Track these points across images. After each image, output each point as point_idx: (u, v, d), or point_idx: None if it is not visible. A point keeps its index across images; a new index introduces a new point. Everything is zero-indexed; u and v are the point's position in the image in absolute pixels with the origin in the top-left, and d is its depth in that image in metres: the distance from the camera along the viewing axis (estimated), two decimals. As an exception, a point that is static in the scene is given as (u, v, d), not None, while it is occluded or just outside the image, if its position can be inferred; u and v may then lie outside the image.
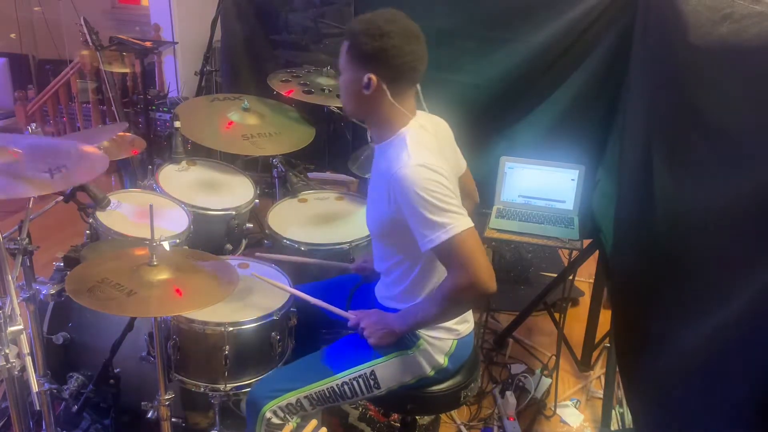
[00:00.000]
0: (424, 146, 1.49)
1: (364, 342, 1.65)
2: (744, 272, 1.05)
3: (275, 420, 1.57)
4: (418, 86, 1.56)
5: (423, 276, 1.60)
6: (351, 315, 1.67)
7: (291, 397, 1.58)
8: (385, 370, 1.61)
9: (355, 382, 1.61)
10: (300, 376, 1.61)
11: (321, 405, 1.62)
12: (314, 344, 1.84)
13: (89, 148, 1.56)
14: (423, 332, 1.61)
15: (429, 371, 1.63)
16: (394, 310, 1.64)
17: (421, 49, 1.47)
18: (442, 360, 1.63)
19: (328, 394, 1.60)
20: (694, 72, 1.45)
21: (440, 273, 1.55)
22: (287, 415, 1.58)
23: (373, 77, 1.46)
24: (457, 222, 1.40)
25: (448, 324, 1.62)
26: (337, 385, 1.60)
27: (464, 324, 1.67)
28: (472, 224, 1.42)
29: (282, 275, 1.94)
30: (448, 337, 1.63)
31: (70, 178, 1.42)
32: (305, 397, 1.58)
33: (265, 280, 1.85)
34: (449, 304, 1.48)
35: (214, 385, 1.75)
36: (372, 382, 1.61)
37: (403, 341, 1.61)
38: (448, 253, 1.41)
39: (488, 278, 1.41)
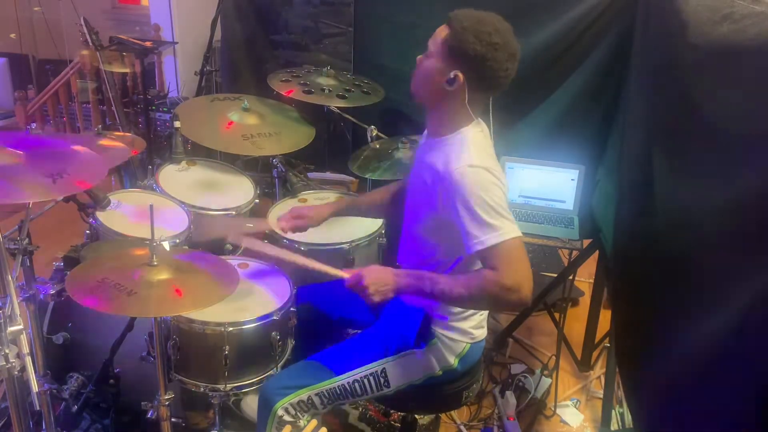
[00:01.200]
0: (485, 150, 1.50)
1: (374, 340, 1.65)
2: (744, 272, 1.05)
3: (287, 417, 1.57)
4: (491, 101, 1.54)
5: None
6: (346, 274, 1.55)
7: (303, 395, 1.58)
8: (396, 368, 1.62)
9: (365, 380, 1.61)
10: (312, 373, 1.62)
11: (332, 403, 1.62)
12: (316, 345, 1.84)
13: (90, 152, 1.56)
14: (439, 331, 1.61)
15: (438, 371, 1.63)
16: (413, 307, 1.63)
17: (513, 68, 1.45)
18: (452, 361, 1.63)
19: (339, 392, 1.61)
20: (694, 72, 1.45)
21: None
22: (298, 413, 1.59)
23: (461, 76, 1.44)
24: (511, 228, 1.39)
25: (465, 326, 1.62)
26: (348, 382, 1.60)
27: (480, 329, 1.67)
28: (521, 234, 1.41)
29: (282, 275, 1.94)
30: (462, 340, 1.63)
31: (72, 184, 1.42)
32: (316, 394, 1.59)
33: (254, 249, 1.77)
34: (483, 296, 1.41)
35: (214, 385, 1.75)
36: (382, 380, 1.62)
37: (417, 339, 1.61)
38: (497, 256, 1.38)
39: (529, 290, 1.39)
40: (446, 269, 1.57)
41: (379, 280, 1.49)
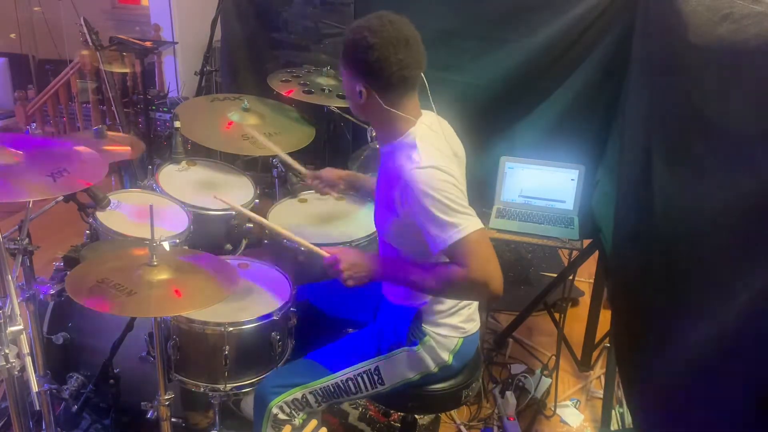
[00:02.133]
0: (434, 147, 1.49)
1: (368, 339, 1.66)
2: (744, 272, 1.05)
3: (282, 416, 1.58)
4: (426, 85, 1.52)
5: None
6: (326, 253, 1.58)
7: (297, 393, 1.59)
8: (390, 367, 1.62)
9: (359, 378, 1.61)
10: (306, 372, 1.62)
11: (326, 401, 1.63)
12: (314, 344, 1.84)
13: (90, 152, 1.56)
14: (429, 329, 1.61)
15: (433, 368, 1.64)
16: (402, 307, 1.63)
17: (410, 55, 1.43)
18: (446, 357, 1.64)
19: (332, 390, 1.61)
20: (693, 72, 1.45)
21: None
22: (293, 411, 1.59)
23: (364, 89, 1.46)
24: (469, 223, 1.39)
25: (456, 322, 1.62)
26: (341, 380, 1.61)
27: (471, 323, 1.67)
28: (482, 225, 1.42)
29: (281, 275, 1.94)
30: (454, 335, 1.63)
31: (73, 183, 1.42)
32: (310, 392, 1.60)
33: (232, 206, 1.77)
34: (451, 289, 1.45)
35: (214, 385, 1.75)
36: (376, 378, 1.62)
37: (410, 338, 1.61)
38: (461, 252, 1.39)
39: (498, 281, 1.40)
40: None
41: (355, 265, 1.53)
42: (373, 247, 2.23)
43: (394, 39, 1.41)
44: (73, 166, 1.45)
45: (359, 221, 2.28)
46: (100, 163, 1.55)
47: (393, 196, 1.48)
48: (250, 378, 1.77)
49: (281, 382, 1.61)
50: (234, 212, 2.22)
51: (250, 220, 1.84)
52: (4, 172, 1.34)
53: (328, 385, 1.61)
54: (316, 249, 1.62)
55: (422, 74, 1.50)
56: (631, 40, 2.20)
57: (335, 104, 2.59)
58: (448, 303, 1.61)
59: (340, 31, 3.28)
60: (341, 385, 1.61)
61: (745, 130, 1.15)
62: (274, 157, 2.55)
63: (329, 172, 1.92)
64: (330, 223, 2.29)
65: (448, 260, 1.44)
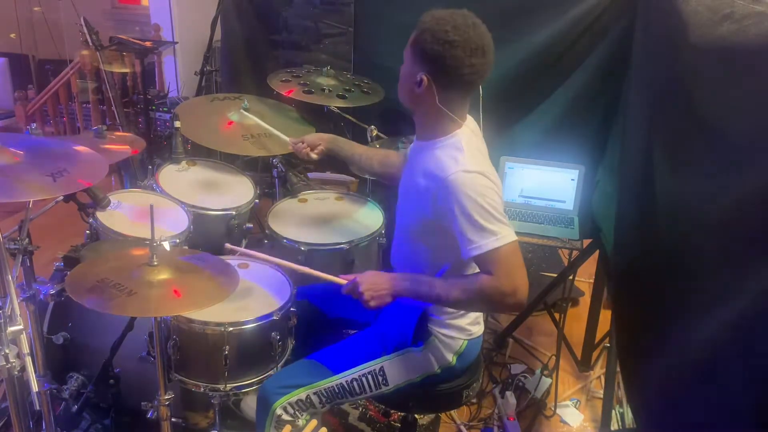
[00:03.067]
0: (479, 153, 1.50)
1: (372, 339, 1.66)
2: (744, 272, 1.05)
3: (285, 416, 1.58)
4: (481, 92, 1.52)
5: None
6: (343, 281, 1.57)
7: (301, 394, 1.58)
8: (394, 367, 1.62)
9: (364, 379, 1.61)
10: (310, 372, 1.62)
11: (330, 402, 1.62)
12: (315, 344, 1.84)
13: (90, 152, 1.56)
14: (435, 329, 1.61)
15: (436, 369, 1.64)
16: (408, 307, 1.63)
17: (483, 63, 1.43)
18: (450, 358, 1.64)
19: (337, 391, 1.61)
20: (694, 72, 1.45)
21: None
22: (297, 412, 1.59)
23: (425, 78, 1.44)
24: (507, 232, 1.40)
25: (461, 323, 1.62)
26: (346, 381, 1.61)
27: (477, 326, 1.67)
28: (516, 238, 1.42)
29: (282, 275, 1.94)
30: (459, 337, 1.63)
31: (73, 183, 1.42)
32: (315, 393, 1.59)
33: (253, 255, 1.79)
34: (479, 299, 1.43)
35: (214, 385, 1.75)
36: (380, 379, 1.62)
37: (415, 338, 1.61)
38: (496, 261, 1.39)
39: (525, 292, 1.40)
40: (436, 273, 1.57)
41: (376, 285, 1.50)
42: (372, 248, 2.23)
43: (474, 44, 1.41)
44: (73, 166, 1.45)
45: (359, 221, 2.28)
46: (100, 163, 1.54)
47: (430, 194, 1.47)
48: (250, 378, 1.77)
49: (285, 382, 1.60)
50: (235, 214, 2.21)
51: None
52: (4, 172, 1.34)
53: (332, 386, 1.60)
54: (334, 278, 1.60)
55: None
56: (631, 41, 2.20)
57: (335, 104, 2.59)
58: None
59: (341, 31, 3.28)
60: (346, 386, 1.61)
61: (745, 130, 1.15)
62: (274, 157, 2.55)
63: (312, 136, 1.95)
64: (330, 222, 2.29)
65: (477, 268, 1.44)
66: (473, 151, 1.48)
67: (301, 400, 1.58)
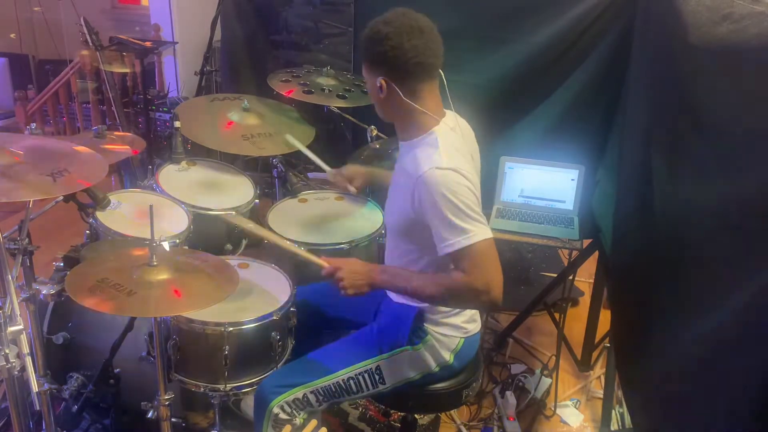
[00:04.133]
0: (455, 149, 1.50)
1: (368, 338, 1.66)
2: (743, 272, 1.05)
3: (282, 415, 1.58)
4: (445, 82, 1.53)
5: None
6: (325, 263, 1.60)
7: (298, 393, 1.59)
8: (391, 366, 1.62)
9: (360, 378, 1.61)
10: (306, 371, 1.62)
11: (327, 400, 1.63)
12: (314, 344, 1.84)
13: (90, 152, 1.56)
14: (431, 328, 1.61)
15: (434, 367, 1.64)
16: (404, 306, 1.63)
17: (424, 42, 1.44)
18: (448, 357, 1.64)
19: (333, 389, 1.61)
20: (694, 72, 1.45)
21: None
22: (294, 411, 1.59)
23: (383, 81, 1.47)
24: (480, 230, 1.40)
25: (458, 322, 1.62)
26: (342, 380, 1.61)
27: (473, 323, 1.67)
28: (491, 235, 1.42)
29: (282, 275, 1.94)
30: (455, 335, 1.63)
31: (73, 183, 1.42)
32: (311, 392, 1.60)
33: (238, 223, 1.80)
34: (451, 296, 1.46)
35: (214, 385, 1.75)
36: (377, 377, 1.62)
37: (411, 337, 1.61)
38: (468, 258, 1.40)
39: (499, 291, 1.41)
40: (428, 269, 1.58)
41: (355, 273, 1.54)
42: (372, 248, 2.23)
43: (408, 27, 1.43)
44: (73, 166, 1.45)
45: (359, 221, 2.27)
46: (100, 163, 1.54)
47: (409, 193, 1.48)
48: (250, 378, 1.77)
49: (282, 382, 1.61)
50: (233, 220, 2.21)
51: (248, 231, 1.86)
52: (4, 172, 1.34)
53: (329, 385, 1.61)
54: (316, 259, 1.63)
55: (441, 72, 1.51)
56: (631, 41, 2.20)
57: (335, 104, 2.59)
58: None
59: (341, 31, 3.28)
60: (342, 385, 1.61)
61: (745, 130, 1.15)
62: (274, 157, 2.55)
63: (350, 170, 1.96)
64: (330, 222, 2.29)
65: (452, 265, 1.45)
66: (449, 148, 1.48)
67: (297, 399, 1.59)
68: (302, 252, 1.67)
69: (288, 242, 1.71)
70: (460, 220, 1.39)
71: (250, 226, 1.79)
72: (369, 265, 1.57)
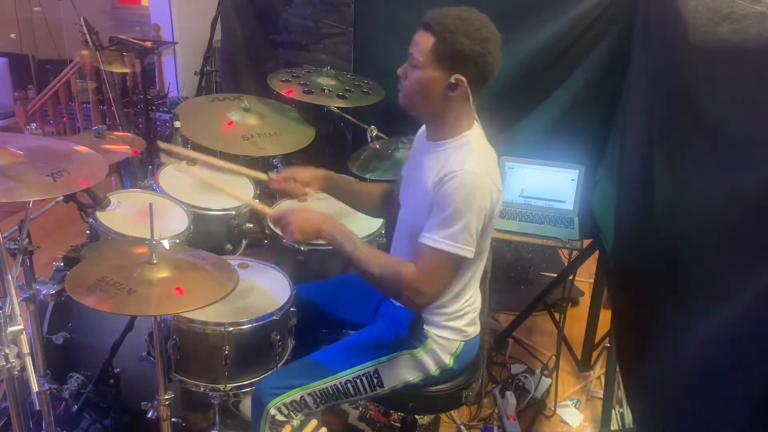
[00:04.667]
0: (488, 155, 1.50)
1: (368, 341, 1.65)
2: (744, 272, 1.05)
3: (280, 417, 1.58)
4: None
5: None
6: (270, 210, 1.59)
7: (295, 394, 1.58)
8: (389, 369, 1.61)
9: (358, 381, 1.61)
10: (304, 373, 1.62)
11: (325, 403, 1.62)
12: (314, 344, 1.84)
13: (90, 152, 1.56)
14: (431, 331, 1.61)
15: (434, 371, 1.63)
16: (404, 309, 1.62)
17: (500, 55, 1.45)
18: (448, 360, 1.63)
19: (331, 392, 1.61)
20: (694, 72, 1.45)
21: (464, 280, 1.56)
22: (291, 413, 1.59)
23: (463, 79, 1.42)
24: (464, 249, 1.41)
25: (458, 325, 1.62)
26: (340, 383, 1.60)
27: (473, 326, 1.67)
28: (469, 258, 1.44)
29: (282, 275, 1.94)
30: (456, 338, 1.63)
31: (73, 183, 1.42)
32: (309, 394, 1.59)
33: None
34: (387, 281, 1.46)
35: (214, 385, 1.75)
36: (375, 381, 1.61)
37: (410, 340, 1.61)
38: (430, 259, 1.42)
39: (430, 302, 1.46)
40: None
41: (306, 220, 1.54)
42: (373, 247, 2.22)
43: (497, 35, 1.44)
44: (73, 166, 1.45)
45: (359, 221, 2.27)
46: (100, 163, 1.54)
47: (430, 189, 1.46)
48: (250, 378, 1.77)
49: (279, 383, 1.60)
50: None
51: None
52: (4, 172, 1.34)
53: (326, 387, 1.60)
54: (259, 174, 1.62)
55: None
56: (631, 40, 2.20)
57: (335, 104, 2.59)
58: (452, 306, 1.60)
59: (341, 31, 3.27)
60: (340, 387, 1.61)
61: (745, 130, 1.15)
62: (274, 157, 2.55)
63: (302, 172, 1.81)
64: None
65: (473, 273, 1.48)
66: (483, 153, 1.48)
67: (295, 401, 1.58)
68: (242, 169, 1.66)
69: (224, 162, 1.68)
70: (457, 225, 1.39)
71: (178, 149, 1.76)
72: (325, 217, 1.56)
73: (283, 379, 1.62)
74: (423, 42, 1.43)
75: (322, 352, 1.67)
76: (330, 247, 2.09)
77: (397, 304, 1.67)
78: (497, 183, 1.45)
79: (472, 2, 1.49)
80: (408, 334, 1.61)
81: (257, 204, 1.63)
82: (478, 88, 1.46)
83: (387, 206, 1.84)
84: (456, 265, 1.45)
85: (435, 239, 1.40)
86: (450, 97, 1.46)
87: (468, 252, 1.42)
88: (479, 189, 1.40)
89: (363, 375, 1.61)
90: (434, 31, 1.41)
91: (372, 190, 1.89)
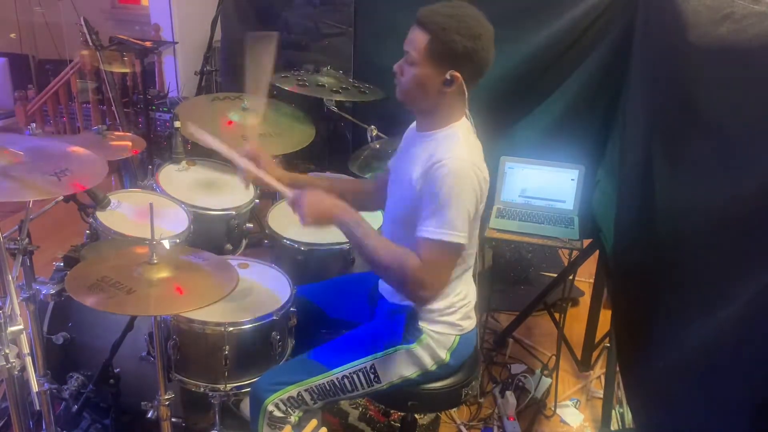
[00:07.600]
0: (475, 147, 1.52)
1: (364, 337, 1.66)
2: (744, 272, 1.05)
3: (277, 413, 1.58)
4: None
5: None
6: (288, 192, 1.58)
7: (292, 391, 1.58)
8: (386, 365, 1.62)
9: (355, 376, 1.61)
10: (301, 369, 1.62)
11: (322, 399, 1.63)
12: (314, 344, 1.84)
13: (90, 152, 1.56)
14: (426, 327, 1.61)
15: (431, 366, 1.64)
16: (399, 305, 1.63)
17: (493, 51, 1.47)
18: (444, 355, 1.63)
19: (328, 388, 1.61)
20: (694, 72, 1.45)
21: (454, 274, 1.57)
22: (289, 409, 1.59)
23: (458, 75, 1.45)
24: (459, 235, 1.42)
25: (453, 320, 1.62)
26: (337, 378, 1.61)
27: (468, 320, 1.67)
28: (464, 245, 1.45)
29: (282, 275, 1.94)
30: (451, 333, 1.63)
31: (73, 183, 1.42)
32: (306, 390, 1.59)
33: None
34: (396, 274, 1.46)
35: (214, 385, 1.75)
36: (372, 376, 1.62)
37: (406, 336, 1.61)
38: (431, 251, 1.43)
39: (435, 293, 1.47)
40: None
41: (318, 204, 1.53)
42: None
43: (491, 30, 1.46)
44: (73, 166, 1.45)
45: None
46: (101, 163, 1.54)
47: (419, 183, 1.48)
48: (250, 378, 1.77)
49: (276, 379, 1.61)
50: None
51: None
52: (4, 172, 1.34)
53: (323, 383, 1.60)
54: (277, 185, 1.63)
55: None
56: (631, 40, 2.20)
57: (334, 97, 2.58)
58: (446, 301, 1.60)
59: (341, 31, 3.28)
60: (337, 383, 1.61)
61: (745, 130, 1.15)
62: (274, 157, 2.54)
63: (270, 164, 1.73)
64: (330, 223, 2.29)
65: (466, 263, 1.48)
66: (470, 143, 1.51)
67: (292, 397, 1.59)
68: (264, 175, 1.64)
69: (244, 160, 1.66)
70: (448, 213, 1.40)
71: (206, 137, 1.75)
72: (336, 202, 1.56)
73: (281, 376, 1.62)
74: (417, 40, 1.46)
75: (319, 349, 1.67)
76: (330, 248, 2.12)
77: (392, 300, 1.68)
78: (484, 172, 1.47)
79: (472, 2, 1.49)
80: (403, 330, 1.62)
81: (276, 184, 1.62)
82: (473, 81, 1.49)
83: (360, 203, 1.81)
84: (455, 253, 1.46)
85: (431, 230, 1.42)
86: (445, 92, 1.48)
87: (463, 237, 1.43)
88: (468, 174, 1.42)
89: (360, 370, 1.61)
90: (427, 28, 1.43)
91: (344, 187, 1.87)
